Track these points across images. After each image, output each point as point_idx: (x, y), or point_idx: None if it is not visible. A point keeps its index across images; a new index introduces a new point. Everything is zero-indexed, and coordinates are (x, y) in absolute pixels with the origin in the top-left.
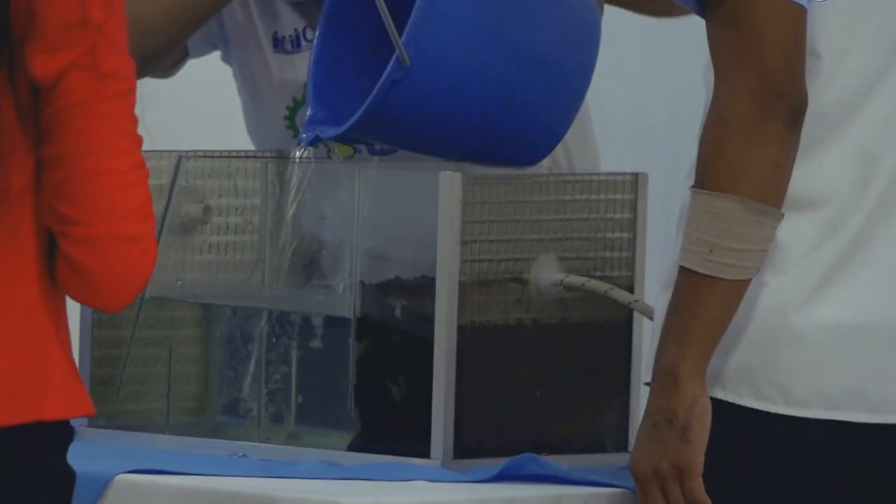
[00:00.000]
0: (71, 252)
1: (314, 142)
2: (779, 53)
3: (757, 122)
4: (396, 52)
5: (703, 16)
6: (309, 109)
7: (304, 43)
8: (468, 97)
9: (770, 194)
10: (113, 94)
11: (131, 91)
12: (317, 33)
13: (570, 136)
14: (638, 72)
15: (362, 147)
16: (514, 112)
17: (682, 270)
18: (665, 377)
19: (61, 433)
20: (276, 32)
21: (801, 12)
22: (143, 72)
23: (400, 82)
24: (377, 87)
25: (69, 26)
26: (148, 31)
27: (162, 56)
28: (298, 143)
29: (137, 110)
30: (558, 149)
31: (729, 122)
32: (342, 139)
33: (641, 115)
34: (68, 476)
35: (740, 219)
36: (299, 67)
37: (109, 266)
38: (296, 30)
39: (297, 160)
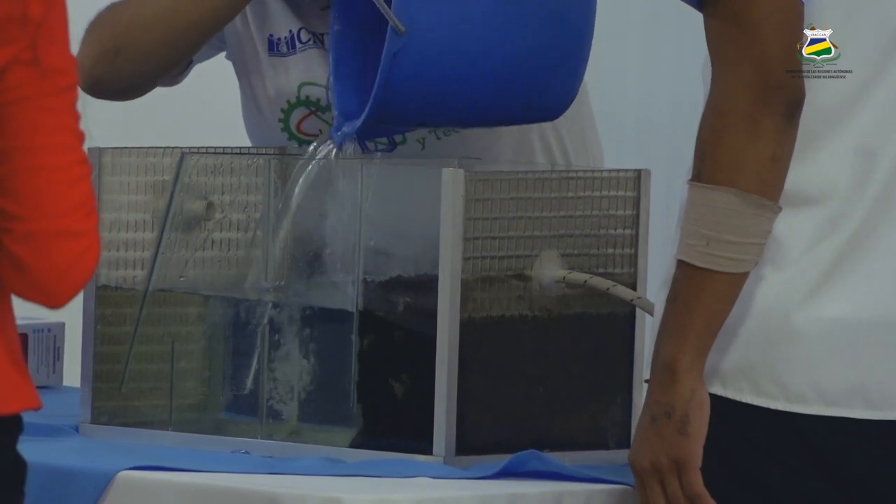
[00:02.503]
0: (13, 248)
1: (343, 142)
2: (776, 47)
3: (754, 115)
4: (390, 24)
5: (700, 10)
6: (334, 114)
7: (298, 45)
8: (471, 53)
9: (768, 188)
10: (54, 90)
11: (73, 87)
12: (330, 45)
13: (568, 134)
14: (641, 69)
15: (357, 148)
16: (522, 63)
17: (680, 264)
18: (663, 371)
19: (5, 426)
20: (271, 35)
21: (799, 6)
22: (150, 86)
23: (401, 52)
24: (381, 64)
25: (8, 22)
26: (144, 58)
27: (164, 74)
28: (329, 146)
29: (78, 106)
30: (554, 146)
31: (726, 116)
32: (367, 133)
33: (644, 112)
34: (17, 466)
35: (738, 212)
36: (293, 70)
37: (51, 262)
38: (290, 31)
39: (301, 157)
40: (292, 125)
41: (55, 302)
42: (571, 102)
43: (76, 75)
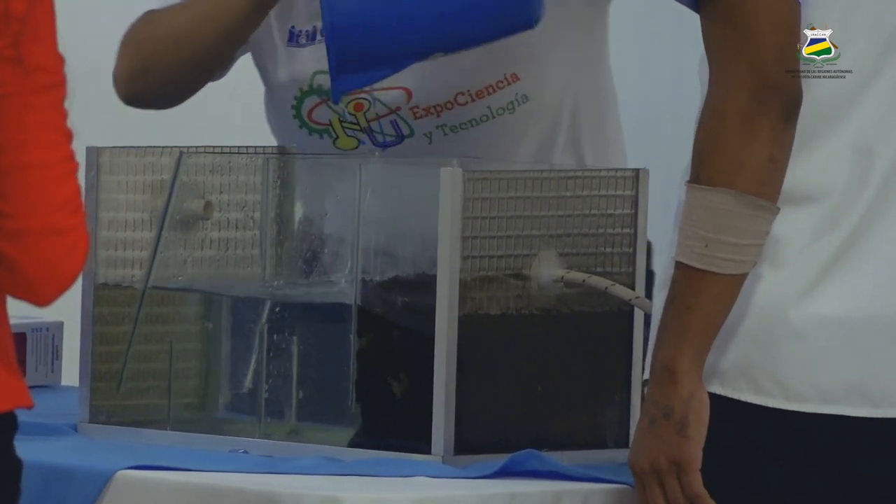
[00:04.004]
0: (0, 246)
1: (338, 97)
2: (773, 48)
3: (751, 116)
4: None
5: (697, 10)
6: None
7: (318, 37)
8: None
9: (765, 188)
10: (39, 88)
11: (59, 84)
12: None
13: (586, 135)
14: (640, 68)
15: (366, 139)
16: None
17: (678, 265)
18: (662, 372)
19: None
20: (293, 27)
21: (795, 6)
22: (190, 94)
23: None
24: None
25: None
26: (172, 76)
27: (198, 86)
28: (330, 100)
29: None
30: (561, 146)
31: (723, 117)
32: (349, 81)
33: (643, 112)
34: (12, 465)
35: (736, 213)
36: (308, 59)
37: (38, 259)
38: (314, 26)
39: (301, 156)
40: (304, 113)
41: (42, 300)
42: (540, 11)
43: (62, 73)
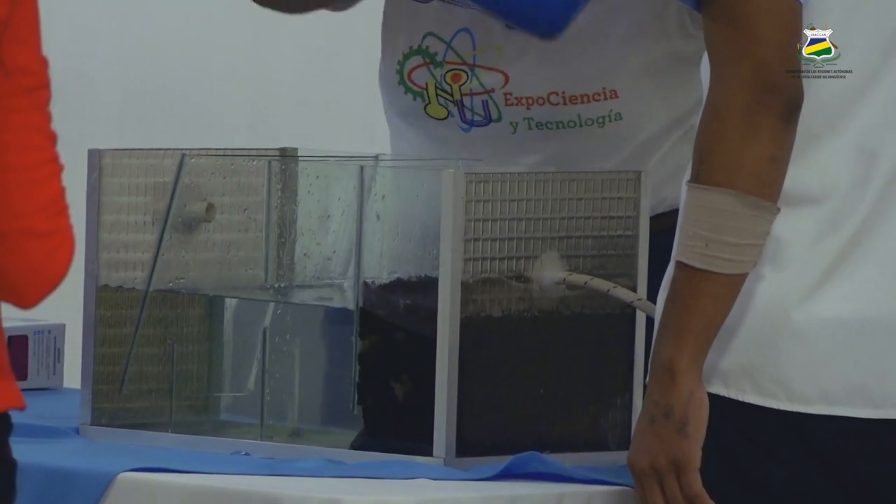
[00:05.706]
0: None
1: None
2: (774, 48)
3: (752, 116)
4: None
5: (698, 10)
6: None
7: None
8: None
9: (766, 188)
10: (20, 90)
11: (42, 86)
12: None
13: (657, 168)
14: None
15: (455, 112)
16: None
17: (679, 265)
18: (662, 372)
19: None
20: None
21: (796, 6)
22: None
23: None
24: None
25: None
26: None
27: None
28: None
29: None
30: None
31: (724, 117)
32: None
33: None
34: (7, 464)
35: (736, 213)
36: (423, 17)
37: (21, 262)
38: None
39: (303, 158)
40: (405, 70)
41: (26, 302)
42: (558, 27)
43: (46, 75)
